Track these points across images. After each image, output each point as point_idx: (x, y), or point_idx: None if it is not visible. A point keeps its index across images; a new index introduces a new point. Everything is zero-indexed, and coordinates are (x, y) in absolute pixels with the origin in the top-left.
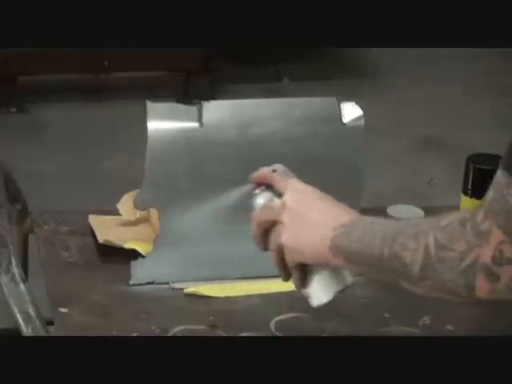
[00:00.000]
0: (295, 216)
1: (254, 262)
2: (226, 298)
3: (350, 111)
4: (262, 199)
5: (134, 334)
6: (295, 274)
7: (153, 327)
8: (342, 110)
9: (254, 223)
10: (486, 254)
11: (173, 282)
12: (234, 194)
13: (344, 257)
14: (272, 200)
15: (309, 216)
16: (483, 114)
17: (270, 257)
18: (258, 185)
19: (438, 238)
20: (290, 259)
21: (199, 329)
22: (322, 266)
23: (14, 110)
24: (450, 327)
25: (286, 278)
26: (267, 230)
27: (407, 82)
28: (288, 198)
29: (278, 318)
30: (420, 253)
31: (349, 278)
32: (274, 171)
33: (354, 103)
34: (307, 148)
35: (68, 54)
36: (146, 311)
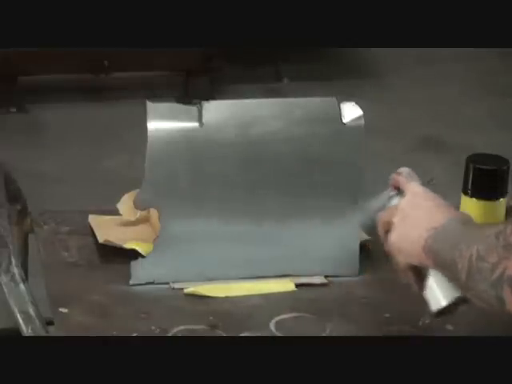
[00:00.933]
0: (403, 217)
1: (254, 262)
2: (226, 297)
3: (350, 111)
4: (394, 202)
5: (134, 334)
6: (409, 275)
7: (153, 327)
8: (342, 110)
9: (378, 225)
10: (511, 266)
11: (173, 282)
12: (379, 199)
13: (432, 258)
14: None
15: (414, 217)
16: (483, 114)
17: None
18: (395, 188)
19: (479, 248)
20: (398, 259)
21: (199, 329)
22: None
23: (14, 110)
24: (449, 327)
25: (406, 281)
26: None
27: (407, 83)
28: (403, 199)
29: (277, 318)
30: (466, 261)
31: None
32: (399, 174)
33: (354, 103)
34: (307, 148)
35: (68, 54)
36: (146, 311)
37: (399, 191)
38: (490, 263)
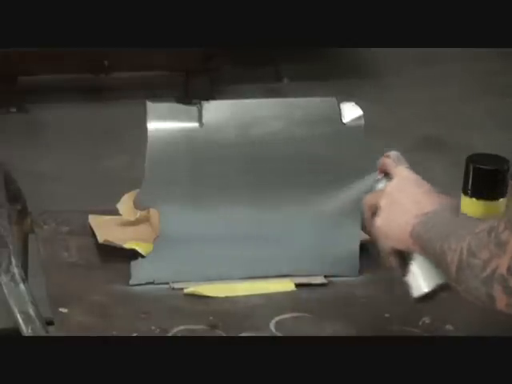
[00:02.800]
0: (390, 201)
1: (254, 262)
2: (226, 297)
3: (350, 111)
4: (380, 185)
5: (134, 334)
6: (392, 260)
7: (153, 327)
8: (342, 110)
9: (364, 207)
10: (503, 264)
11: (173, 282)
12: (365, 182)
13: (420, 245)
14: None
15: (401, 202)
16: (483, 114)
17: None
18: (381, 172)
19: (470, 243)
20: (383, 243)
21: (199, 329)
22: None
23: (14, 109)
24: (450, 327)
25: (388, 264)
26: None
27: (407, 83)
28: (391, 183)
29: (277, 318)
30: (457, 255)
31: None
32: (387, 157)
33: (353, 103)
34: (307, 148)
35: (68, 54)
36: (146, 311)
37: (386, 175)
38: (481, 260)
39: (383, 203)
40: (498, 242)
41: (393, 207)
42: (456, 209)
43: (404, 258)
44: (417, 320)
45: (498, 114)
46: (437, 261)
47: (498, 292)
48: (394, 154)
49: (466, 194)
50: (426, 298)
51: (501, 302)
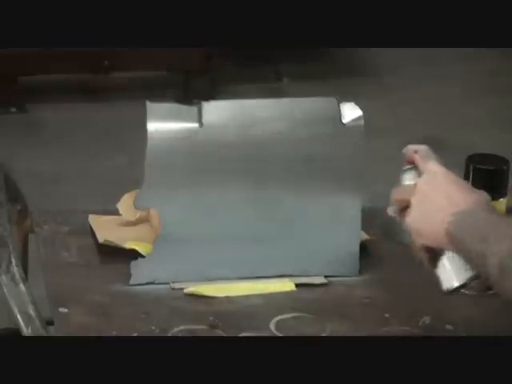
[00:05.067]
0: (423, 198)
1: (254, 262)
2: (226, 297)
3: (350, 111)
4: (406, 176)
5: (134, 334)
6: (422, 255)
7: (153, 327)
8: (342, 110)
9: (392, 200)
10: None
11: (173, 282)
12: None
13: (455, 245)
14: (414, 179)
15: (434, 199)
16: (483, 114)
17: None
18: (408, 162)
19: (510, 246)
20: (415, 240)
21: (199, 329)
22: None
23: (14, 109)
24: (449, 327)
25: (419, 259)
26: (406, 208)
27: (407, 82)
28: (422, 179)
29: (278, 318)
30: (496, 258)
31: None
32: (416, 152)
33: (353, 103)
34: (307, 148)
35: (68, 54)
36: (146, 311)
37: (414, 167)
38: None
39: (414, 200)
40: None
41: (426, 204)
42: (491, 209)
43: (434, 251)
44: (417, 320)
45: (498, 113)
46: (475, 263)
47: None
48: (423, 148)
49: None
50: (456, 290)
51: None
